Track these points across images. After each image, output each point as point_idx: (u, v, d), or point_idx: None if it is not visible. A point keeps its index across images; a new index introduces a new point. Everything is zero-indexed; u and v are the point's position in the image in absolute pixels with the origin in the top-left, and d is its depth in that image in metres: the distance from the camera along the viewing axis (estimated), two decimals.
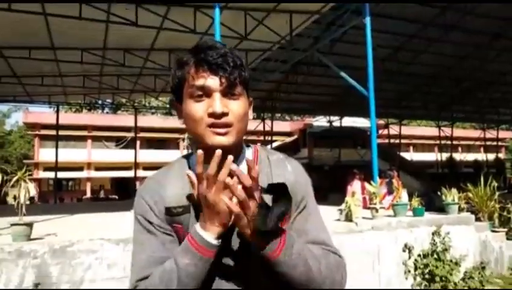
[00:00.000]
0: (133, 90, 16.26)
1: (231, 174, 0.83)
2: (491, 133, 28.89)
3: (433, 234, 4.88)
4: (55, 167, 19.00)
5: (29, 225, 4.17)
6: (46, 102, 18.41)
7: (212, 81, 0.92)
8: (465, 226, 5.93)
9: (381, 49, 13.24)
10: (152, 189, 1.00)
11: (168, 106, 22.55)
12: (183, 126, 1.00)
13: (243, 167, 0.91)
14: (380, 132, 25.21)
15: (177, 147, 32.50)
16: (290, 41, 10.83)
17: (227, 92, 0.93)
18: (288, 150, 23.97)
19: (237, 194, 0.82)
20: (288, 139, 30.01)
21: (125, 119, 30.46)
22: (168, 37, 10.66)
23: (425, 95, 19.50)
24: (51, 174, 25.98)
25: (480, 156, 32.84)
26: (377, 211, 5.73)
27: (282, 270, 0.88)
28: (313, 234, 1.00)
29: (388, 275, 5.11)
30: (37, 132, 30.29)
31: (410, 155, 36.19)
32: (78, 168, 30.62)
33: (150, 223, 0.97)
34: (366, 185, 6.68)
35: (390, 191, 7.24)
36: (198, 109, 0.92)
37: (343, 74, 9.58)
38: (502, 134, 34.37)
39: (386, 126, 25.63)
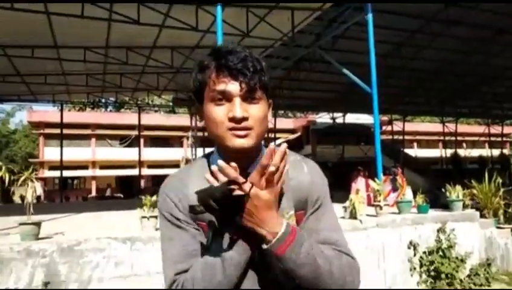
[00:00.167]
0: (136, 88, 16.30)
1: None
2: (495, 129, 28.75)
3: (438, 231, 4.88)
4: (61, 165, 19.10)
5: (38, 224, 4.21)
6: (50, 101, 18.48)
7: (233, 87, 0.94)
8: (470, 223, 5.93)
9: (384, 45, 13.18)
10: (175, 187, 1.03)
11: (171, 103, 22.59)
12: (203, 125, 1.03)
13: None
14: (384, 128, 25.14)
15: (180, 144, 32.56)
16: (292, 38, 10.81)
17: (247, 97, 0.95)
18: (292, 147, 23.92)
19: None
20: (291, 137, 30.00)
21: (128, 117, 30.54)
22: (170, 34, 10.67)
23: (429, 90, 19.41)
24: (56, 173, 26.14)
25: (485, 152, 32.68)
26: (381, 208, 5.73)
27: (288, 267, 0.89)
28: (325, 234, 1.01)
29: (393, 272, 5.12)
30: (41, 131, 30.42)
31: (414, 151, 36.08)
32: (83, 166, 30.76)
33: (177, 219, 1.00)
34: (370, 182, 6.68)
35: (394, 188, 7.24)
36: (219, 112, 0.95)
37: (345, 71, 9.55)
38: (507, 129, 34.19)
39: (390, 122, 25.56)
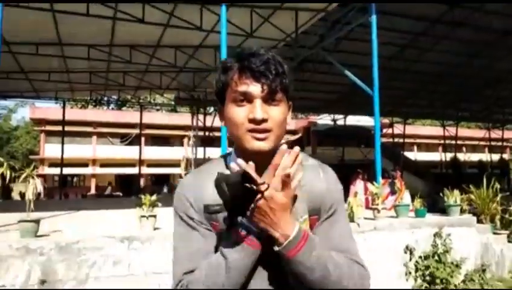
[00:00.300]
0: (138, 86, 16.34)
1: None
2: (496, 133, 28.69)
3: (434, 235, 4.89)
4: (61, 162, 19.15)
5: (37, 222, 4.25)
6: (52, 98, 18.53)
7: (254, 88, 0.96)
8: (467, 228, 5.94)
9: (387, 47, 13.17)
10: (191, 187, 1.05)
11: (173, 102, 22.62)
12: (224, 126, 1.04)
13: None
14: (384, 130, 25.12)
15: (181, 144, 32.59)
16: (295, 39, 10.83)
17: (268, 99, 0.97)
18: (292, 147, 23.91)
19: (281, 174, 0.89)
20: (292, 138, 30.03)
21: (130, 115, 30.58)
22: (174, 34, 10.70)
23: (432, 93, 19.38)
24: (56, 170, 26.17)
25: (485, 157, 32.62)
26: (378, 211, 5.75)
27: (298, 270, 0.91)
28: (337, 241, 1.02)
29: (389, 276, 5.14)
30: (43, 128, 30.48)
31: (414, 155, 36.04)
32: (83, 164, 30.80)
33: (191, 218, 1.02)
34: (369, 185, 6.70)
35: (393, 192, 7.26)
36: (239, 113, 0.97)
37: (347, 72, 9.57)
38: (507, 134, 34.12)
39: (391, 125, 25.54)
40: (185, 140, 31.40)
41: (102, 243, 4.25)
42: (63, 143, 19.15)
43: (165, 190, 26.00)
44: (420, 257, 4.75)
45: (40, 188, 4.36)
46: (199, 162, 17.20)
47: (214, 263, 0.94)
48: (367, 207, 6.62)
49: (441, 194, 6.56)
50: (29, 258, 3.87)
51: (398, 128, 25.48)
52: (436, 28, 12.78)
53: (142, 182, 26.88)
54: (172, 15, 9.52)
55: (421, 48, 14.33)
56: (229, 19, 8.26)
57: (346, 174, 11.39)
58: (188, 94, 17.81)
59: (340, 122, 24.64)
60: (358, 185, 9.03)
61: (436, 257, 4.61)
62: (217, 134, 16.50)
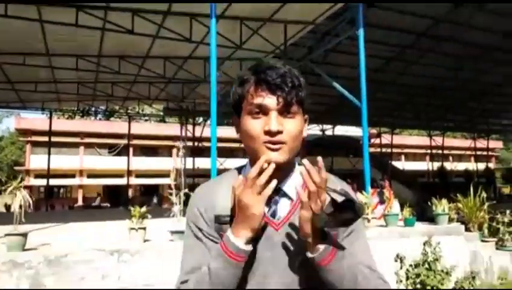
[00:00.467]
0: (127, 97, 16.27)
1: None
2: (481, 143, 29.26)
3: (424, 244, 4.95)
4: (47, 174, 18.86)
5: (24, 235, 4.17)
6: (39, 108, 18.32)
7: (270, 101, 0.97)
8: (455, 236, 6.02)
9: (375, 59, 13.40)
10: (203, 197, 1.06)
11: (161, 113, 22.53)
12: (239, 138, 1.05)
13: (293, 183, 1.00)
14: (372, 140, 25.41)
15: (170, 154, 32.41)
16: (284, 51, 10.95)
17: (284, 111, 0.97)
18: None
19: (309, 184, 0.88)
20: None
21: (118, 126, 30.36)
22: (164, 44, 10.73)
23: (418, 105, 19.72)
24: (42, 182, 25.73)
25: (471, 166, 33.19)
26: (368, 221, 5.79)
27: (330, 278, 0.93)
28: (359, 257, 1.02)
29: None
30: (28, 138, 30.03)
31: (402, 164, 36.45)
32: (70, 175, 30.37)
33: (200, 229, 1.02)
34: (358, 195, 6.75)
35: (382, 201, 7.32)
36: (255, 126, 0.97)
37: (335, 84, 9.69)
38: (492, 144, 34.82)
39: (378, 135, 25.86)
40: (174, 150, 31.24)
41: (92, 256, 4.19)
42: (49, 154, 18.88)
43: (155, 200, 25.73)
44: (411, 265, 4.79)
45: (29, 200, 4.30)
46: (188, 173, 17.11)
47: (202, 272, 0.95)
48: None
49: (429, 203, 6.65)
50: (17, 272, 3.79)
51: (385, 138, 25.81)
52: (422, 41, 13.06)
53: (130, 192, 26.57)
54: (161, 26, 9.56)
55: (407, 60, 14.62)
56: (219, 31, 8.33)
57: None
58: (176, 105, 17.79)
59: (329, 132, 24.86)
60: None
61: (427, 265, 4.67)
62: (206, 144, 16.48)
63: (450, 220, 6.36)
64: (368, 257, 1.05)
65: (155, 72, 12.53)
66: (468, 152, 34.82)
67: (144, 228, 4.91)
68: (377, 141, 26.19)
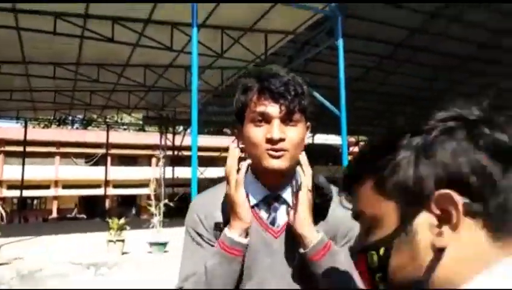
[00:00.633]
0: (105, 106, 16.00)
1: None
2: None
3: None
4: (21, 185, 18.27)
5: None
6: (13, 117, 17.79)
7: (273, 109, 0.97)
8: None
9: (354, 69, 13.62)
10: (204, 204, 1.08)
11: (141, 122, 22.25)
12: (243, 146, 1.07)
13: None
14: (351, 149, 25.77)
15: (149, 163, 31.94)
16: (265, 60, 11.02)
17: (286, 119, 0.98)
18: None
19: (304, 179, 0.97)
20: None
21: (96, 135, 29.77)
22: (144, 53, 10.62)
23: (397, 114, 20.15)
24: (15, 193, 24.88)
25: None
26: None
27: (323, 274, 0.94)
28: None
29: None
30: (1, 148, 29.08)
31: None
32: (45, 186, 29.50)
33: (199, 235, 1.04)
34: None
35: None
36: (257, 133, 0.98)
37: (315, 94, 9.78)
38: None
39: (357, 143, 26.29)
40: (153, 160, 30.82)
41: (67, 270, 4.03)
42: (23, 164, 18.32)
43: (134, 211, 25.24)
44: None
45: (2, 213, 4.12)
46: (168, 182, 16.87)
47: (198, 272, 0.97)
48: None
49: None
50: None
51: None
52: (399, 51, 13.39)
53: (107, 203, 25.99)
54: (142, 35, 9.47)
55: (386, 70, 14.94)
56: (200, 40, 8.30)
57: None
58: (156, 113, 17.60)
59: (308, 140, 25.07)
60: None
61: None
62: (186, 153, 16.31)
63: None
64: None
65: (135, 80, 12.38)
66: None
67: (123, 240, 4.78)
68: (356, 149, 26.61)
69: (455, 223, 0.47)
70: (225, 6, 8.54)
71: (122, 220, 4.86)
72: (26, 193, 23.88)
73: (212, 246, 1.01)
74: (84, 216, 24.61)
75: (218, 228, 0.99)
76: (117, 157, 31.28)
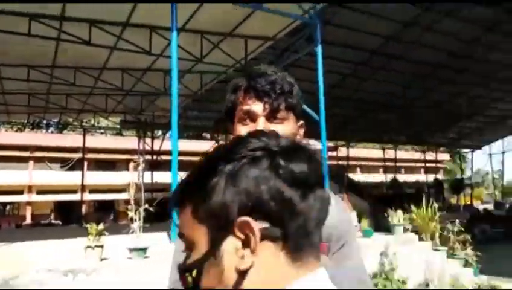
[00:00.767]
0: (82, 109, 15.66)
1: None
2: (431, 155, 30.93)
3: (381, 254, 5.13)
4: None
5: None
6: None
7: (257, 107, 0.98)
8: (410, 246, 6.29)
9: (332, 75, 13.85)
10: None
11: (118, 126, 21.87)
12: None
13: None
14: (329, 154, 26.06)
15: (127, 168, 31.39)
16: (245, 65, 11.07)
17: (271, 117, 0.98)
18: None
19: None
20: None
21: (72, 139, 29.01)
22: (122, 56, 10.49)
23: (371, 120, 20.55)
24: None
25: (421, 177, 34.91)
26: None
27: None
28: (352, 272, 1.01)
29: None
30: None
31: (357, 176, 37.58)
32: (18, 191, 28.55)
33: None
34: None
35: None
36: (243, 132, 0.96)
37: None
38: (440, 156, 36.89)
39: (335, 148, 26.63)
40: (131, 164, 30.31)
41: (44, 277, 3.95)
42: None
43: (112, 217, 24.73)
44: (369, 275, 4.96)
45: None
46: (147, 187, 16.63)
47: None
48: None
49: (384, 214, 6.92)
50: None
51: (341, 152, 26.60)
52: (374, 59, 13.71)
53: (84, 209, 25.38)
54: (120, 38, 9.37)
55: (361, 77, 15.25)
56: (179, 44, 8.28)
57: None
58: (134, 117, 17.36)
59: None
60: None
61: (384, 275, 4.83)
62: (164, 158, 16.15)
63: (405, 230, 6.65)
64: (359, 272, 1.05)
65: (112, 84, 12.19)
66: (419, 164, 36.62)
67: (102, 246, 4.72)
68: (334, 153, 26.93)
69: (253, 247, 0.50)
70: (205, 10, 8.55)
71: (101, 226, 4.79)
72: None
73: None
74: (60, 222, 23.93)
75: None
76: (94, 162, 30.61)
